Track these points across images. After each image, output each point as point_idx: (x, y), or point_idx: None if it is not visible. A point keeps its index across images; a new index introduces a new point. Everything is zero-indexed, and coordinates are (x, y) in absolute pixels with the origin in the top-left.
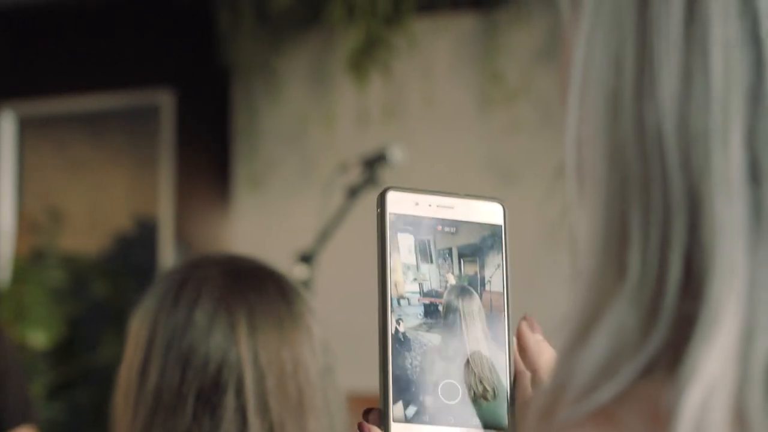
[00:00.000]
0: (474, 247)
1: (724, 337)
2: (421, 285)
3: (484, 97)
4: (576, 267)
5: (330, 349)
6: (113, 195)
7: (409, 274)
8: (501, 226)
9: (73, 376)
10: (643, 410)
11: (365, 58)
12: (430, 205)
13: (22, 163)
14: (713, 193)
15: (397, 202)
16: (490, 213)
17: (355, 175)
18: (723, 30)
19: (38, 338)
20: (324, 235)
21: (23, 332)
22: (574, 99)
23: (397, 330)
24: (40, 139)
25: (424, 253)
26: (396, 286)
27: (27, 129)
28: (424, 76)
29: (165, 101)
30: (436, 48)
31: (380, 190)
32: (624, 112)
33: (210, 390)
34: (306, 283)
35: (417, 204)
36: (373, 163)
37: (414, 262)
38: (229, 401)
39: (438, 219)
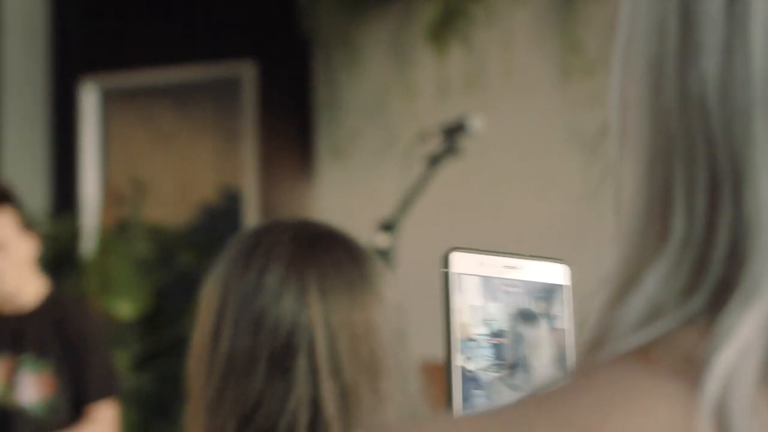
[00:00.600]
0: (541, 294)
1: (762, 306)
2: (489, 324)
3: (563, 68)
4: (619, 228)
5: (402, 313)
6: (199, 166)
7: (477, 314)
8: (566, 286)
9: (159, 347)
10: (678, 355)
11: (445, 29)
12: (495, 266)
13: (107, 135)
14: (755, 166)
15: (462, 262)
16: (555, 274)
17: (435, 144)
18: (764, 8)
19: (124, 309)
20: (405, 204)
21: (109, 303)
22: (619, 62)
23: (465, 369)
24: (125, 112)
25: (491, 293)
26: (464, 328)
27: (112, 101)
28: (503, 46)
29: (247, 73)
30: (515, 18)
31: (445, 252)
32: (667, 79)
33: (282, 353)
34: (387, 252)
35: (482, 264)
36: (453, 132)
37: (481, 302)
38: (301, 363)
39: (503, 279)
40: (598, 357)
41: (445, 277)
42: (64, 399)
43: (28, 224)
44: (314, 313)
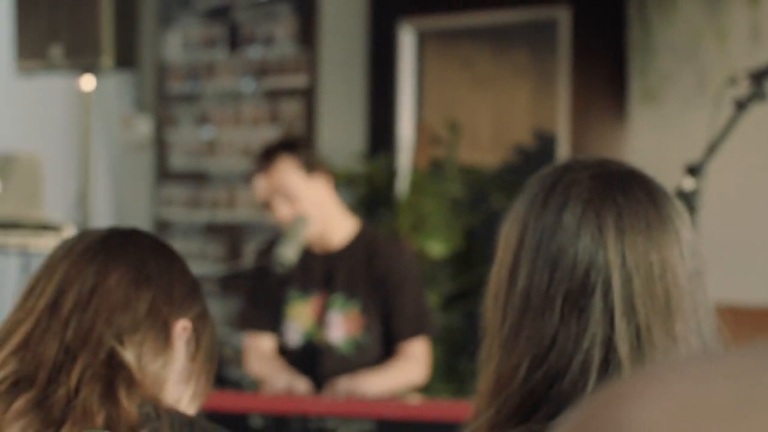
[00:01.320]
0: None
1: None
2: None
3: None
4: None
5: (699, 254)
6: (514, 109)
7: None
8: None
9: (468, 287)
10: None
11: None
12: None
13: (423, 77)
14: None
15: None
16: None
17: (744, 88)
18: None
19: (436, 248)
20: (711, 148)
21: (422, 242)
22: None
23: None
24: (441, 54)
25: None
26: None
27: (428, 43)
28: None
29: (563, 16)
30: None
31: None
32: None
33: (577, 292)
34: (693, 195)
35: None
36: (761, 77)
37: None
38: (597, 303)
39: None
40: None
41: None
42: (372, 337)
43: (313, 166)
44: (611, 252)
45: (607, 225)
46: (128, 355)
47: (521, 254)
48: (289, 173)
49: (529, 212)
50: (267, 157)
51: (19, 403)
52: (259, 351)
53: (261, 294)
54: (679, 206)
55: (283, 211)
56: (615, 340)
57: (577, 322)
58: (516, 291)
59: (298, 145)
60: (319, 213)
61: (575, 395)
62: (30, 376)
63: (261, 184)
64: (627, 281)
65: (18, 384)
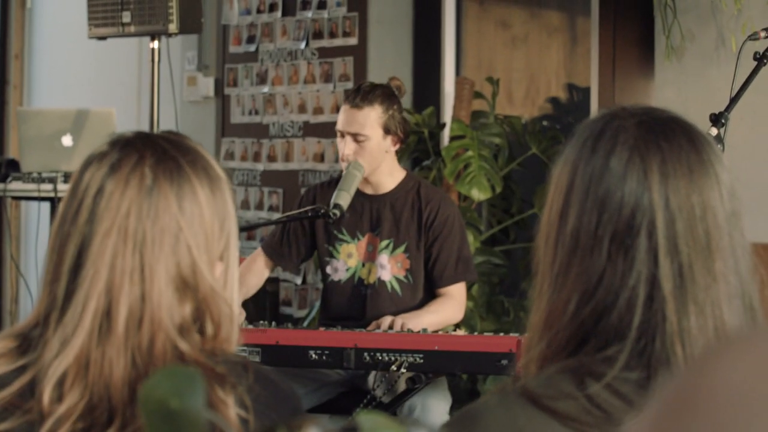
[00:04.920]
0: None
1: None
2: None
3: None
4: None
5: (737, 195)
6: (547, 67)
7: None
8: None
9: (506, 228)
10: None
11: None
12: None
13: (463, 37)
14: None
15: None
16: None
17: (763, 43)
18: None
19: (478, 194)
20: (733, 100)
21: (465, 188)
22: None
23: None
24: (479, 15)
25: None
26: None
27: (469, 5)
28: None
29: None
30: None
31: None
32: None
33: (624, 232)
34: (717, 142)
35: None
36: None
37: None
38: (642, 243)
39: None
40: None
41: None
42: (415, 277)
43: (391, 127)
44: (656, 195)
45: (651, 169)
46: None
47: (571, 197)
48: (371, 122)
49: (578, 157)
50: (363, 96)
51: None
52: (253, 268)
53: (294, 231)
54: (718, 151)
55: (348, 149)
56: (659, 278)
57: (623, 261)
58: (566, 231)
59: (394, 99)
60: (377, 163)
61: (622, 329)
62: (104, 405)
63: (345, 116)
64: (670, 222)
65: (92, 414)
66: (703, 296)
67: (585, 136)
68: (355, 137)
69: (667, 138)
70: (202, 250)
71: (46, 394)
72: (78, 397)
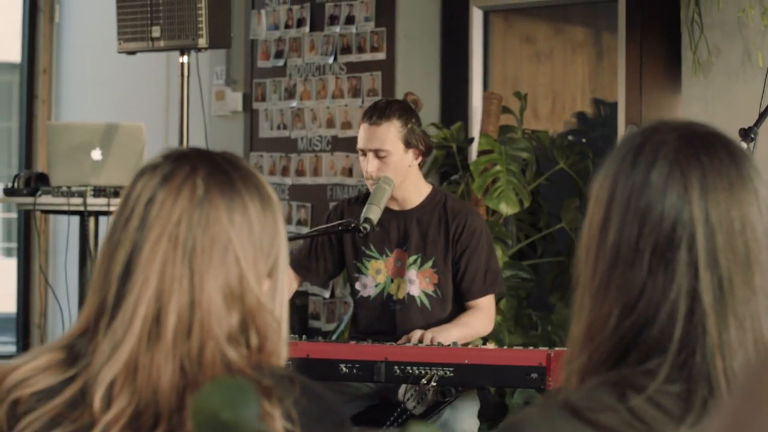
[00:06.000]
0: None
1: None
2: None
3: None
4: None
5: None
6: (574, 81)
7: None
8: None
9: (533, 242)
10: None
11: None
12: None
13: (491, 52)
14: None
15: None
16: None
17: None
18: None
19: (506, 208)
20: (763, 114)
21: (492, 203)
22: None
23: None
24: (506, 30)
25: None
26: None
27: (495, 20)
28: None
29: None
30: None
31: None
32: None
33: (664, 246)
34: None
35: None
36: None
37: None
38: (682, 256)
39: None
40: None
41: None
42: (444, 292)
43: (412, 140)
44: (696, 209)
45: (692, 183)
46: (234, 353)
47: (612, 210)
48: (391, 137)
49: (618, 171)
50: (381, 112)
51: None
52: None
53: (322, 246)
54: (757, 166)
55: (371, 166)
56: (699, 291)
57: (664, 274)
58: (607, 244)
59: (411, 113)
60: (402, 178)
61: (663, 342)
62: (151, 411)
63: (365, 134)
64: (710, 236)
65: (139, 419)
66: (742, 309)
67: (625, 150)
68: (377, 153)
69: (708, 152)
70: (250, 263)
71: (97, 399)
72: (126, 402)
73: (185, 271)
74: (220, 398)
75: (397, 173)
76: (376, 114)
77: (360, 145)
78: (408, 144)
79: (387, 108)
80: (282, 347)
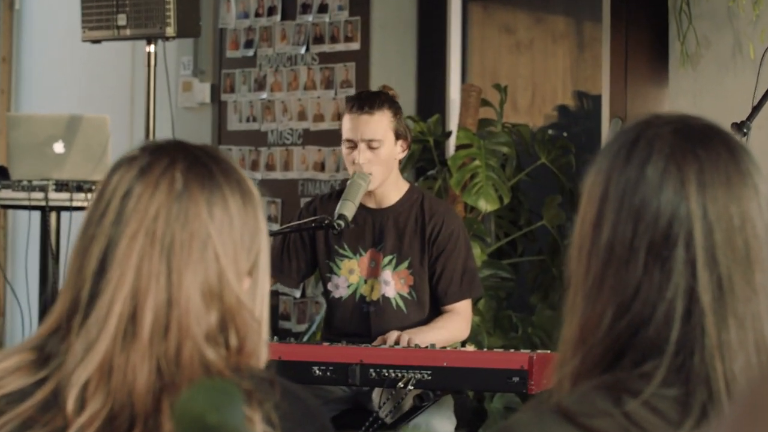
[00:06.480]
0: None
1: None
2: None
3: None
4: None
5: None
6: (553, 73)
7: None
8: None
9: (513, 240)
10: None
11: None
12: None
13: (469, 43)
14: None
15: None
16: None
17: None
18: None
19: (484, 205)
20: (756, 108)
21: (471, 199)
22: None
23: None
24: (484, 20)
25: None
26: None
27: (473, 11)
28: None
29: None
30: None
31: None
32: None
33: (660, 243)
34: None
35: None
36: None
37: None
38: (679, 254)
39: None
40: None
41: None
42: (421, 295)
43: (401, 131)
44: (693, 205)
45: (689, 178)
46: (213, 353)
47: (605, 207)
48: (384, 126)
49: (612, 166)
50: (372, 101)
51: None
52: None
53: (294, 245)
54: (757, 161)
55: (363, 158)
56: (697, 290)
57: (660, 272)
58: (600, 242)
59: (397, 104)
60: (383, 169)
61: (659, 344)
62: (126, 413)
63: (355, 123)
64: (708, 233)
65: (113, 422)
66: (743, 309)
67: (618, 145)
68: (370, 144)
69: (705, 146)
70: (230, 260)
71: (70, 401)
72: (100, 404)
73: (162, 267)
74: (205, 401)
75: (386, 166)
76: (368, 103)
77: (349, 135)
78: (398, 135)
79: (377, 97)
80: (262, 348)
